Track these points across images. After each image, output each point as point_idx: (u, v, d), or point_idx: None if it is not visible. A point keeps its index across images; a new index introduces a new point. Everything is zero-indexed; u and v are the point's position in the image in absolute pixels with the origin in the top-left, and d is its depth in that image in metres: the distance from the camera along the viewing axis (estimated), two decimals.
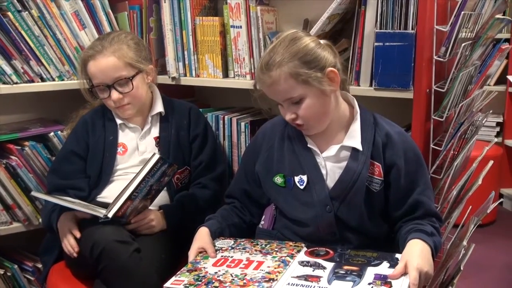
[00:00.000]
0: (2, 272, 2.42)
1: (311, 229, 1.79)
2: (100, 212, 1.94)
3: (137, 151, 2.20)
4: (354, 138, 1.76)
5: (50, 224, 2.10)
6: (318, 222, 1.77)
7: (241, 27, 2.26)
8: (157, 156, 1.97)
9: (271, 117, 2.00)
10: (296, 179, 1.80)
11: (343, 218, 1.77)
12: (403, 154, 1.75)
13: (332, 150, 1.77)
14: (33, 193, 2.18)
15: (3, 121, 2.51)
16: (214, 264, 1.66)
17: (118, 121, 2.21)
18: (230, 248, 1.76)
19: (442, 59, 1.94)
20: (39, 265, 2.43)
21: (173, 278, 1.59)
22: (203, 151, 2.25)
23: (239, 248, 1.76)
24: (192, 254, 1.75)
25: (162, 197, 2.16)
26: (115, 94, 2.11)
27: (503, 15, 3.75)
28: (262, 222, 1.95)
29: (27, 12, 2.29)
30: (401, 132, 1.81)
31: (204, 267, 1.64)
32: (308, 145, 1.79)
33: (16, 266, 2.45)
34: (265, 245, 1.77)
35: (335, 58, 1.72)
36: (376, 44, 1.97)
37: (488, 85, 4.09)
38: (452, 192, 2.09)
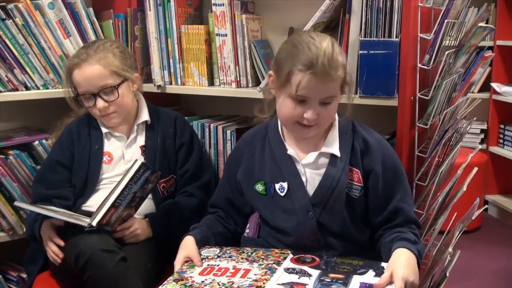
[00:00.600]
0: None
1: (295, 237, 1.79)
2: (85, 221, 1.92)
3: (122, 159, 2.19)
4: (332, 144, 1.78)
5: (33, 233, 2.08)
6: (301, 229, 1.78)
7: (226, 35, 2.27)
8: (139, 162, 1.96)
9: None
10: (277, 186, 1.81)
11: (325, 224, 1.77)
12: (381, 161, 1.77)
13: (311, 156, 1.78)
14: (16, 203, 2.16)
15: None
16: (201, 273, 1.65)
17: (104, 130, 2.20)
18: (216, 256, 1.76)
19: (426, 67, 1.95)
20: (24, 275, 2.41)
21: None
22: (189, 160, 2.24)
23: (225, 257, 1.75)
24: (178, 263, 1.74)
25: (148, 206, 2.15)
26: (100, 103, 2.11)
27: (486, 23, 3.78)
28: (247, 231, 1.96)
29: (11, 21, 2.27)
30: (380, 139, 1.82)
31: (190, 276, 1.64)
32: (288, 152, 1.80)
33: (0, 276, 2.43)
34: (251, 253, 1.77)
35: None
36: (360, 52, 1.98)
37: (472, 92, 4.12)
38: (437, 199, 2.10)
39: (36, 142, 2.39)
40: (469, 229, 3.70)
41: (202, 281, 1.60)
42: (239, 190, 1.92)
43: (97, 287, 1.86)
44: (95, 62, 2.10)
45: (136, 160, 1.99)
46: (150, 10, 2.38)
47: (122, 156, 2.19)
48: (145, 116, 2.23)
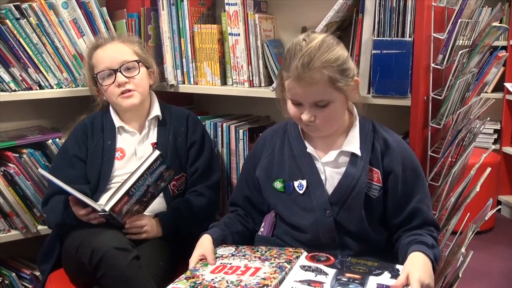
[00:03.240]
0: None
1: (311, 235, 1.79)
2: (99, 205, 1.95)
3: (135, 156, 2.20)
4: (353, 143, 1.78)
5: (64, 220, 2.08)
6: (318, 227, 1.78)
7: (239, 34, 2.27)
8: (157, 152, 1.98)
9: (270, 125, 2.01)
10: (296, 184, 1.81)
11: (342, 223, 1.77)
12: (401, 162, 1.76)
13: (331, 155, 1.78)
14: (40, 171, 2.18)
15: (1, 128, 2.51)
16: (212, 271, 1.66)
17: (117, 124, 2.21)
18: (230, 255, 1.76)
19: (439, 67, 1.95)
20: (37, 273, 2.43)
21: (171, 285, 1.60)
22: (199, 159, 2.25)
23: (239, 255, 1.76)
24: (192, 261, 1.75)
25: (159, 204, 2.16)
26: (121, 77, 2.14)
27: (500, 23, 3.76)
28: (262, 229, 1.96)
29: (25, 20, 2.29)
30: (400, 140, 1.82)
31: (202, 274, 1.64)
32: (307, 150, 1.81)
33: (13, 274, 2.44)
34: (265, 252, 1.78)
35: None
36: (373, 51, 1.98)
37: (486, 92, 4.10)
38: (450, 199, 2.09)
39: (50, 141, 2.40)
40: (482, 230, 3.69)
41: (212, 279, 1.61)
42: (257, 188, 1.92)
43: (110, 285, 1.87)
44: (118, 42, 2.21)
45: (154, 150, 2.01)
46: (163, 10, 2.39)
47: (135, 153, 2.20)
48: (156, 111, 2.24)
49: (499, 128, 4.44)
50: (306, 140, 1.83)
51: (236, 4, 2.24)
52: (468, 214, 2.22)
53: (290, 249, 1.78)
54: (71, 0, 2.37)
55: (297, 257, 1.71)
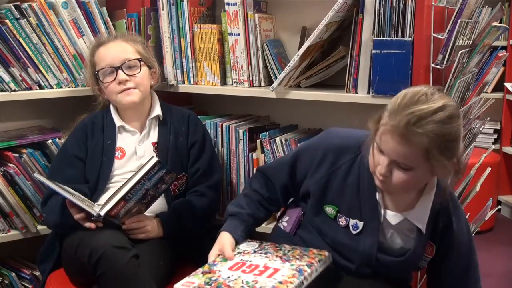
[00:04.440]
0: None
1: (343, 259, 1.76)
2: (94, 210, 1.94)
3: (135, 155, 2.20)
4: (420, 216, 1.67)
5: (65, 220, 2.06)
6: (355, 263, 1.74)
7: (239, 34, 2.27)
8: (154, 159, 1.97)
9: (270, 124, 2.00)
10: (351, 222, 1.72)
11: (380, 271, 1.74)
12: (459, 239, 1.71)
13: (396, 217, 1.69)
14: (36, 175, 2.16)
15: (1, 128, 2.51)
16: (230, 268, 1.64)
17: (117, 123, 2.21)
18: (252, 251, 1.74)
19: (439, 67, 1.95)
20: (37, 273, 2.42)
21: (185, 279, 1.59)
22: (200, 159, 2.25)
23: (260, 253, 1.73)
24: (212, 256, 1.73)
25: (160, 204, 2.16)
26: (122, 75, 2.14)
27: (500, 23, 3.76)
28: (285, 224, 1.88)
29: (25, 20, 2.29)
30: (463, 219, 1.74)
31: (219, 270, 1.63)
32: (377, 198, 1.69)
33: (13, 274, 2.44)
34: (288, 251, 1.74)
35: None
36: (373, 51, 1.98)
37: (486, 92, 4.10)
38: None
39: (50, 141, 2.40)
40: (482, 230, 3.68)
41: (228, 277, 1.59)
42: (298, 186, 1.82)
43: (109, 284, 1.87)
44: (121, 41, 2.22)
45: (152, 157, 2.00)
46: (163, 10, 2.39)
47: (135, 152, 2.20)
48: (157, 111, 2.24)
49: (499, 128, 4.44)
50: (378, 187, 1.68)
51: (236, 4, 2.24)
52: (468, 214, 2.22)
53: (314, 251, 1.73)
54: (71, 0, 2.37)
55: (320, 260, 1.68)
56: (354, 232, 1.71)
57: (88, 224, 1.98)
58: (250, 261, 1.68)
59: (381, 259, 1.70)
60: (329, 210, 1.75)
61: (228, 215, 1.87)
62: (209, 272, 1.62)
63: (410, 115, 1.45)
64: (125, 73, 2.15)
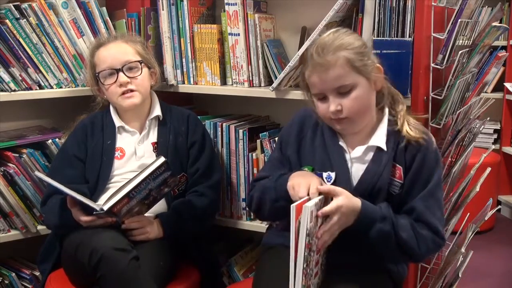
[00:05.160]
0: None
1: None
2: (97, 205, 1.94)
3: (135, 156, 2.20)
4: (379, 138, 1.77)
5: (65, 221, 2.06)
6: None
7: (239, 34, 2.27)
8: (162, 159, 1.97)
9: (270, 124, 2.00)
10: (324, 175, 1.80)
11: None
12: (422, 157, 1.75)
13: (359, 150, 1.78)
14: (37, 173, 2.17)
15: (1, 128, 2.51)
16: None
17: (117, 124, 2.21)
18: None
19: (439, 67, 1.95)
20: (37, 273, 2.42)
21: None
22: (200, 159, 2.25)
23: None
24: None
25: (160, 204, 2.15)
26: (122, 77, 2.14)
27: (500, 23, 3.76)
28: (277, 222, 1.93)
29: (25, 20, 2.29)
30: (426, 136, 1.78)
31: None
32: (339, 143, 1.80)
33: (13, 274, 2.44)
34: None
35: None
36: (373, 51, 1.98)
37: (485, 92, 4.10)
38: (450, 200, 2.09)
39: (50, 141, 2.40)
40: (482, 230, 3.68)
41: None
42: (289, 166, 1.89)
43: (109, 286, 1.87)
44: (121, 42, 2.21)
45: (160, 156, 2.00)
46: (163, 10, 2.39)
47: (134, 152, 2.20)
48: (157, 111, 2.24)
49: (499, 128, 4.44)
50: (338, 134, 1.83)
51: (236, 4, 2.24)
52: (468, 214, 2.23)
53: None
54: (71, 0, 2.37)
55: None
56: (328, 183, 1.77)
57: (90, 218, 1.98)
58: None
59: (358, 194, 1.74)
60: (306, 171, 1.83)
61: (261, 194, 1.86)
62: None
63: (316, 47, 1.68)
64: (126, 75, 2.14)
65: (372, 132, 1.79)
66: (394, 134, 1.77)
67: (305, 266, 1.51)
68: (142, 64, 2.19)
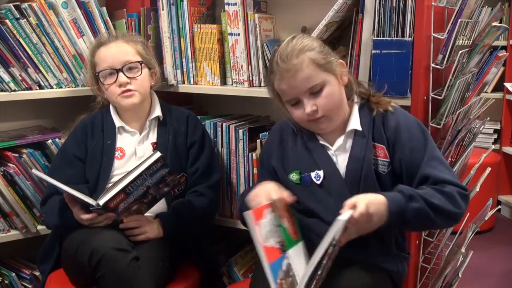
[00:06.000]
0: None
1: (329, 222, 1.75)
2: (93, 200, 1.94)
3: (135, 156, 2.20)
4: (353, 122, 1.81)
5: (65, 221, 2.06)
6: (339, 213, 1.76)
7: (239, 34, 2.27)
8: (158, 154, 1.97)
9: (270, 124, 2.01)
10: (313, 174, 1.82)
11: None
12: (404, 129, 1.76)
13: (339, 141, 1.81)
14: (34, 171, 2.17)
15: (1, 128, 2.51)
16: None
17: (117, 124, 2.21)
18: None
19: (439, 67, 1.95)
20: (37, 273, 2.42)
21: None
22: (199, 159, 2.24)
23: None
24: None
25: (160, 204, 2.15)
26: (122, 78, 2.14)
27: (500, 22, 3.76)
28: None
29: (25, 20, 2.29)
30: (399, 110, 1.81)
31: None
32: (320, 142, 1.83)
33: (13, 274, 2.44)
34: None
35: None
36: (373, 51, 1.98)
37: (485, 92, 4.10)
38: None
39: (50, 141, 2.40)
40: (481, 230, 3.68)
41: None
42: (274, 176, 1.91)
43: (109, 286, 1.87)
44: (122, 41, 2.20)
45: (156, 152, 2.00)
46: (163, 10, 2.39)
47: (134, 152, 2.20)
48: (157, 112, 2.24)
49: (499, 128, 4.44)
50: (317, 134, 1.85)
51: (236, 4, 2.24)
52: (468, 214, 2.22)
53: None
54: (71, 0, 2.36)
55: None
56: (318, 182, 1.81)
57: (90, 216, 1.98)
58: None
59: (350, 188, 1.77)
60: (293, 176, 1.86)
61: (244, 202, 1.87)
62: None
63: (278, 55, 1.74)
64: (126, 76, 2.14)
65: (346, 121, 1.83)
66: (365, 115, 1.82)
67: (319, 273, 1.53)
68: (142, 64, 2.19)
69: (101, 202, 1.91)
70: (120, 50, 2.18)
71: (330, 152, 1.83)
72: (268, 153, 1.95)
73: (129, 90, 2.15)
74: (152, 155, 1.98)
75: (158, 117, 2.24)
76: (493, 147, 4.11)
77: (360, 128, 1.79)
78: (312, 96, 1.73)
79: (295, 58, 1.71)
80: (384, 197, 1.63)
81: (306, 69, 1.71)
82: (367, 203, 1.57)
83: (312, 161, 1.83)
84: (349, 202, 1.59)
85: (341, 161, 1.81)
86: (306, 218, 1.83)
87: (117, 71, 2.14)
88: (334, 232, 1.50)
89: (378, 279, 1.76)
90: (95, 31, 2.44)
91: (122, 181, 1.95)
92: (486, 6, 4.17)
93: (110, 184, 2.15)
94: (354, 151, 1.79)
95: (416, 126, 1.79)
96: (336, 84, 1.76)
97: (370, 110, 1.82)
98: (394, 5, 1.96)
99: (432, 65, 1.95)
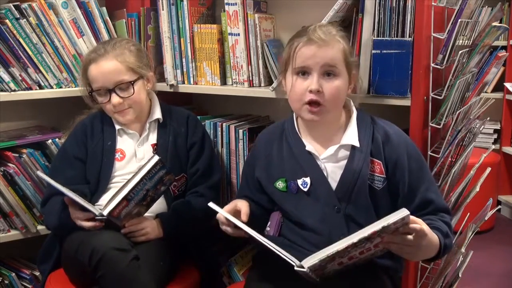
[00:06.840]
0: None
1: (321, 232, 1.77)
2: (97, 209, 1.94)
3: (135, 157, 2.20)
4: (351, 136, 1.78)
5: (63, 222, 2.06)
6: (328, 223, 1.76)
7: (239, 34, 2.27)
8: (156, 158, 1.97)
9: (270, 124, 2.01)
10: (299, 182, 1.81)
11: (352, 217, 1.76)
12: (404, 152, 1.76)
13: (330, 150, 1.79)
14: (39, 173, 2.16)
15: (1, 128, 2.51)
16: None
17: (117, 127, 2.21)
18: None
19: (439, 67, 1.95)
20: (37, 273, 2.43)
21: None
22: (200, 159, 2.25)
23: None
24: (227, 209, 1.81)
25: (160, 204, 2.15)
26: (115, 99, 2.12)
27: (500, 22, 3.76)
28: (268, 229, 1.93)
29: (25, 20, 2.29)
30: (400, 131, 1.83)
31: None
32: (306, 149, 1.81)
33: (13, 274, 2.44)
34: None
35: None
36: (373, 51, 1.98)
37: (485, 92, 4.10)
38: (450, 199, 2.09)
39: (50, 141, 2.40)
40: (481, 230, 3.68)
41: None
42: (258, 188, 1.93)
43: (109, 286, 1.87)
44: (112, 58, 2.12)
45: (153, 156, 2.00)
46: (163, 10, 2.39)
47: (134, 154, 2.20)
48: (157, 114, 2.24)
49: (499, 128, 4.44)
50: (304, 139, 1.84)
51: (236, 4, 2.23)
52: (468, 214, 2.22)
53: None
54: (71, 0, 2.36)
55: None
56: (305, 190, 1.80)
57: (91, 224, 1.98)
58: None
59: (341, 198, 1.77)
60: (279, 185, 1.85)
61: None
62: None
63: (317, 26, 1.75)
64: (118, 96, 2.12)
65: (341, 130, 1.81)
66: (364, 129, 1.80)
67: (350, 249, 1.50)
68: (135, 83, 2.15)
69: (105, 212, 1.93)
70: (110, 70, 2.12)
71: (317, 160, 1.81)
72: (252, 166, 1.95)
73: (125, 109, 2.14)
74: (150, 159, 1.98)
75: (158, 119, 2.24)
76: (493, 147, 4.11)
77: (358, 144, 1.77)
78: (323, 77, 1.73)
79: (333, 37, 1.74)
80: (437, 237, 1.62)
81: (336, 50, 1.73)
82: (428, 230, 1.54)
83: (298, 167, 1.82)
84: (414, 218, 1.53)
85: (331, 171, 1.79)
86: (297, 229, 1.83)
87: (110, 91, 2.13)
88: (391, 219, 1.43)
89: (374, 275, 1.76)
90: (95, 31, 2.44)
91: (124, 188, 1.95)
92: (486, 6, 4.17)
93: (112, 185, 2.15)
94: (350, 164, 1.77)
95: (415, 148, 1.80)
96: (345, 84, 1.77)
97: (370, 125, 1.81)
98: (394, 5, 1.96)
99: (432, 65, 1.95)
